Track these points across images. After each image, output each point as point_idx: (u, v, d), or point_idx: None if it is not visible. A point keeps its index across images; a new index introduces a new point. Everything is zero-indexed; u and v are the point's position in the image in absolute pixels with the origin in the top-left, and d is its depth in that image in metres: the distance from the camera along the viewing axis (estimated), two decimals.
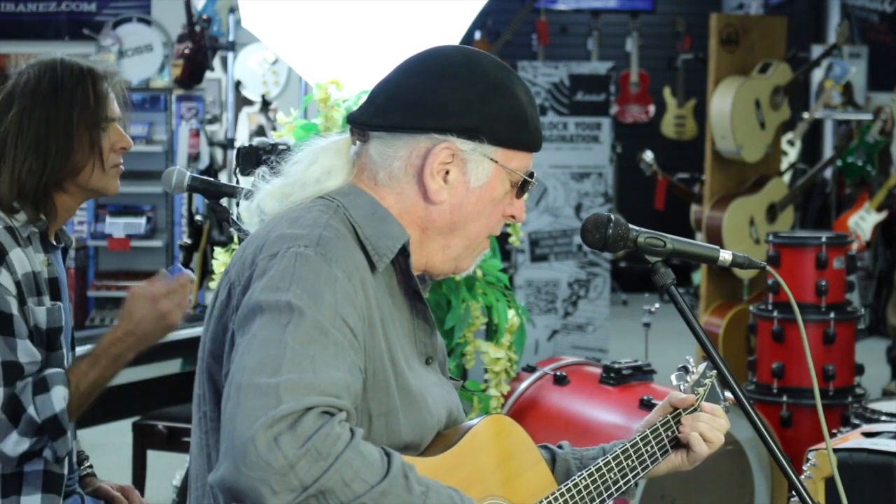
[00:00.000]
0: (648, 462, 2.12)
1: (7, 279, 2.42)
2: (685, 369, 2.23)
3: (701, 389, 2.21)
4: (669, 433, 2.14)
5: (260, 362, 1.68)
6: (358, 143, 1.95)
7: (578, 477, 2.04)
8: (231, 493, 1.65)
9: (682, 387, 2.20)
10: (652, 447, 2.13)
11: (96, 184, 2.58)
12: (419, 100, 1.89)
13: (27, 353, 2.42)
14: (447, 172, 1.90)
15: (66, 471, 2.55)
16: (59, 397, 2.40)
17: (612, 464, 2.07)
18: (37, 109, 2.52)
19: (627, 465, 2.09)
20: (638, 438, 2.12)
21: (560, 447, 2.17)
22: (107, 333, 2.54)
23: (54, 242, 2.61)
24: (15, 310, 2.42)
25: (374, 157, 1.93)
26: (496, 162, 1.92)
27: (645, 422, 2.16)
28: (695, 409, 2.17)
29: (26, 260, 2.48)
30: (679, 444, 2.15)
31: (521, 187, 1.97)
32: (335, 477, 1.62)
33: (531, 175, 1.97)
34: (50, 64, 2.57)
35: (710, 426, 2.13)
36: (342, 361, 1.71)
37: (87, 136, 2.54)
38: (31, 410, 2.38)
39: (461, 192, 1.92)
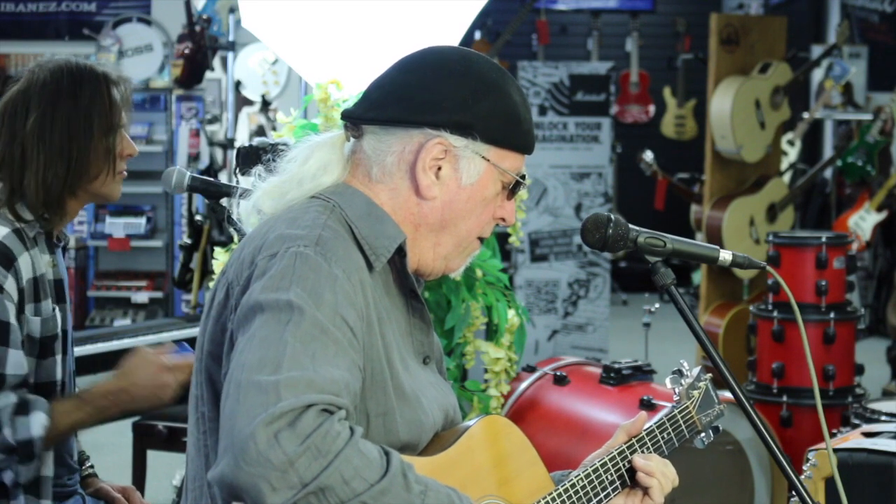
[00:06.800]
0: None
1: (12, 286, 2.42)
2: (679, 373, 2.23)
3: (695, 393, 2.22)
4: (665, 435, 2.16)
5: (260, 360, 1.68)
6: (352, 139, 1.96)
7: (576, 478, 2.04)
8: (230, 490, 1.65)
9: (676, 390, 2.21)
10: (647, 447, 2.13)
11: (105, 190, 2.58)
12: (413, 95, 1.90)
13: (15, 364, 2.41)
14: (439, 168, 1.91)
15: (51, 473, 2.53)
16: (38, 423, 2.39)
17: (609, 464, 2.08)
18: (58, 114, 2.50)
19: (623, 465, 2.09)
20: (635, 441, 2.13)
21: None
22: (101, 383, 2.52)
23: (56, 242, 2.61)
24: (13, 318, 2.41)
25: (368, 152, 1.93)
26: (488, 160, 1.92)
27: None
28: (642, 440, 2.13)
29: (32, 264, 2.47)
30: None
31: (512, 189, 1.97)
32: (335, 474, 1.62)
33: (523, 177, 1.97)
34: (66, 66, 2.54)
35: (660, 481, 2.07)
36: (342, 360, 1.72)
37: (104, 143, 2.54)
38: (6, 430, 2.37)
39: (453, 189, 1.92)
